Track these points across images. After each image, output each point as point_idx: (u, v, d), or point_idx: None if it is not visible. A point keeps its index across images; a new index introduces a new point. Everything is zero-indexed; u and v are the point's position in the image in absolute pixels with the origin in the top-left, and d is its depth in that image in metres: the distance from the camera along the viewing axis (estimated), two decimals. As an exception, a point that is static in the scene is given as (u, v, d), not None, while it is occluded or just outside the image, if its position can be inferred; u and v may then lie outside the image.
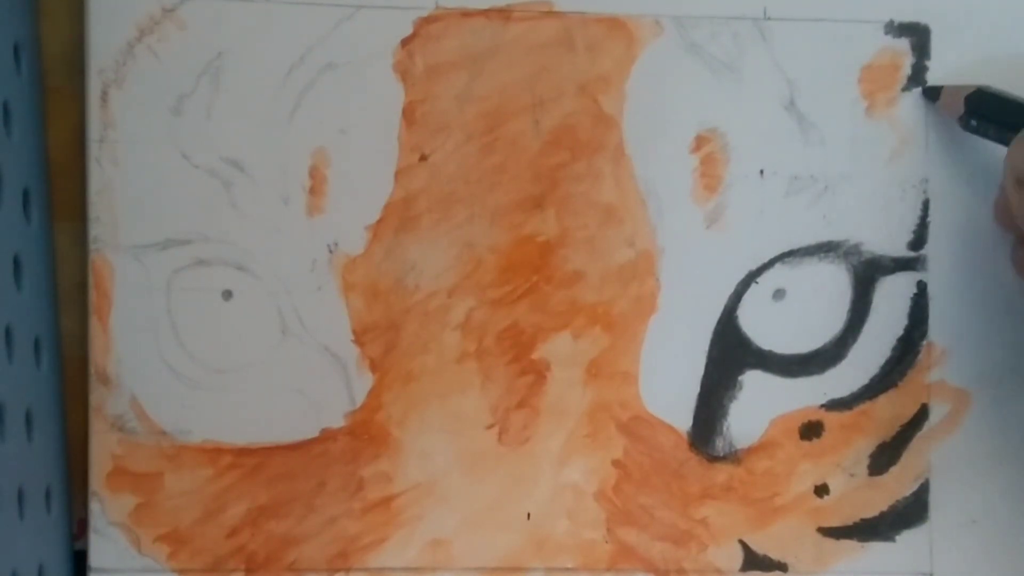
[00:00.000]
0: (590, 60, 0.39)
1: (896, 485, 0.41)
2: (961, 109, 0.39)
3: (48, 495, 0.37)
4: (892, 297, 0.41)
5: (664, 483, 0.40)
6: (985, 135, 0.38)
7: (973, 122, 0.38)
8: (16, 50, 0.37)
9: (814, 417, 0.40)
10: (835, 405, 0.40)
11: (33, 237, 0.37)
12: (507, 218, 0.39)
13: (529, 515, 0.40)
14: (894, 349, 0.41)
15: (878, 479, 0.41)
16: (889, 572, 0.40)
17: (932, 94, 0.40)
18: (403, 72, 0.39)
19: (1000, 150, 0.37)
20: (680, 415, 0.40)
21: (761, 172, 0.40)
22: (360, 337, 0.39)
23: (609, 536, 0.40)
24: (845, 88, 0.40)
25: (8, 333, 0.35)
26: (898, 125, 0.40)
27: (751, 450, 0.40)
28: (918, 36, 0.40)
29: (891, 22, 0.40)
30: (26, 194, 0.37)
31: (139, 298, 0.38)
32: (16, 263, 0.36)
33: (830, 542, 0.40)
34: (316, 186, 0.39)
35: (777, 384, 0.40)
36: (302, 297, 0.39)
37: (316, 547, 0.39)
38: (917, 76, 0.40)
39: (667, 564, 0.40)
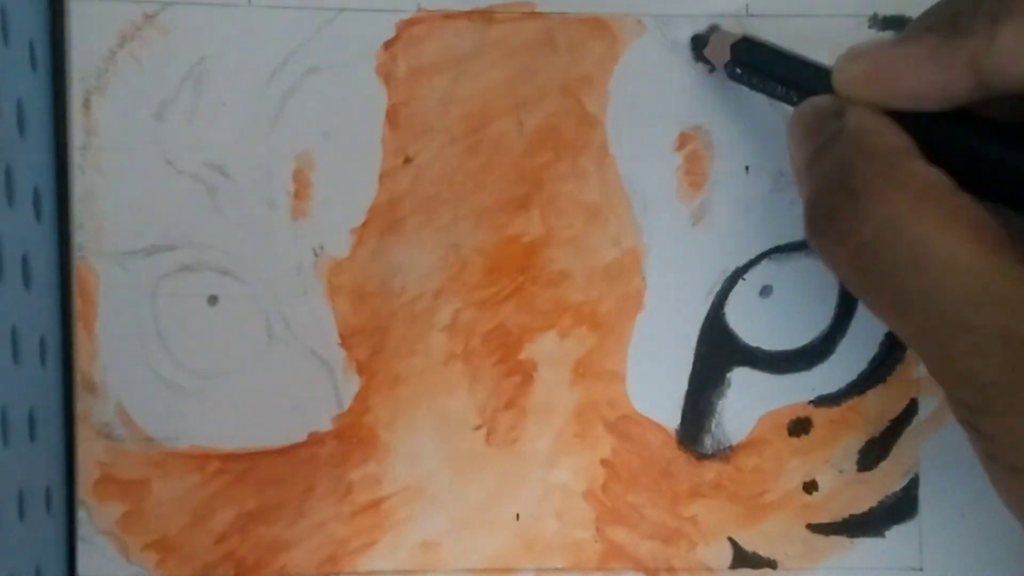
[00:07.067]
0: (573, 60, 0.39)
1: (885, 481, 0.40)
2: (727, 57, 0.38)
3: (48, 497, 0.37)
4: (879, 292, 0.40)
5: (653, 482, 0.40)
6: (750, 85, 0.38)
7: (738, 71, 0.38)
8: (32, 47, 0.36)
9: (803, 414, 0.40)
10: (823, 401, 0.40)
11: (42, 236, 0.37)
12: (492, 219, 0.39)
13: (518, 516, 0.40)
14: (882, 344, 0.40)
15: (867, 475, 0.40)
16: (879, 568, 0.40)
17: (699, 42, 0.39)
18: (386, 75, 0.39)
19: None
20: (668, 413, 0.40)
21: (746, 169, 0.40)
22: (347, 340, 0.39)
23: (598, 535, 0.40)
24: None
25: (14, 333, 0.34)
26: (883, 119, 0.40)
27: (740, 447, 0.40)
28: (902, 29, 0.40)
29: (875, 16, 0.40)
30: (37, 193, 0.37)
31: (124, 305, 0.38)
32: (25, 262, 0.35)
33: (819, 538, 0.40)
34: (300, 190, 0.39)
35: (765, 381, 0.40)
36: (288, 301, 0.39)
37: (305, 552, 0.39)
38: (902, 70, 0.40)
39: (657, 563, 0.40)
